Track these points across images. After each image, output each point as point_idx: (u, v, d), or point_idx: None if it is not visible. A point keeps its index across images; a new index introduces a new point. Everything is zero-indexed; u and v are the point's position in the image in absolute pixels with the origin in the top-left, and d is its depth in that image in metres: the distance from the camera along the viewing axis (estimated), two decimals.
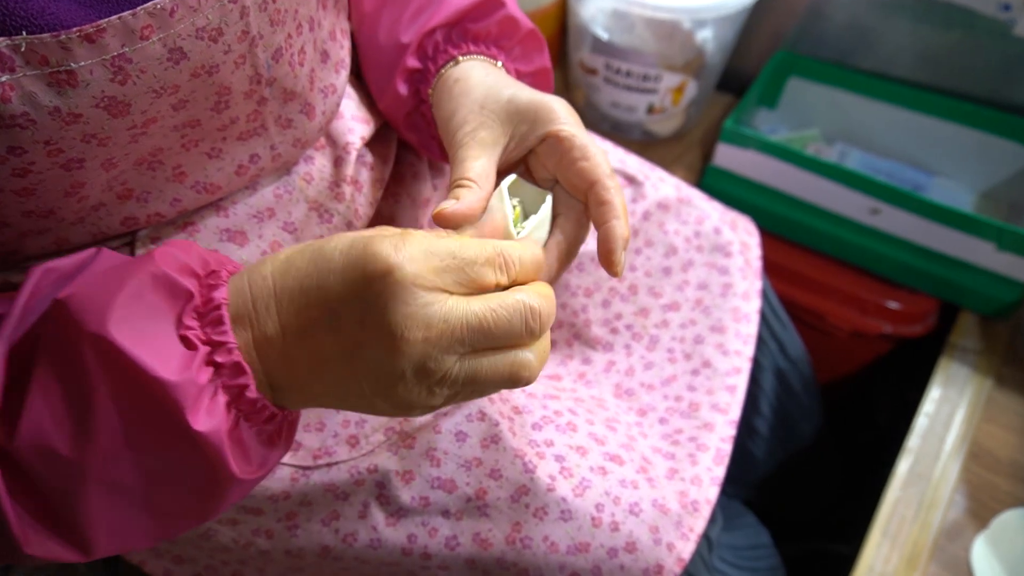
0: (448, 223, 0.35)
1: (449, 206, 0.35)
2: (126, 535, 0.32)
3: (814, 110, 0.96)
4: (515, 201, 0.39)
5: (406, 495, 0.45)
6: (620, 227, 0.37)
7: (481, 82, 0.42)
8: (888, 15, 0.86)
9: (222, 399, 0.30)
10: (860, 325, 0.84)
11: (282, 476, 0.45)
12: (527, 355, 0.31)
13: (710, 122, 0.99)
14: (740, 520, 0.70)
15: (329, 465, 0.46)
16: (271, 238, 0.44)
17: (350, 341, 0.29)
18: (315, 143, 0.45)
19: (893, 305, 0.82)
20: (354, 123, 0.49)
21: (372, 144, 0.51)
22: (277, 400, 0.33)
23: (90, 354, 0.28)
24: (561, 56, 0.98)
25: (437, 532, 0.45)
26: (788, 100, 0.98)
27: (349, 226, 0.47)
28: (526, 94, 0.40)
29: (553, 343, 0.64)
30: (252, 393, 0.31)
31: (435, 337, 0.29)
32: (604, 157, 0.38)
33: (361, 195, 0.48)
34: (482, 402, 0.47)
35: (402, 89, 0.47)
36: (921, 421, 0.71)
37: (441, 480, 0.46)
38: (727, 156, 0.84)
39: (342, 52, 0.46)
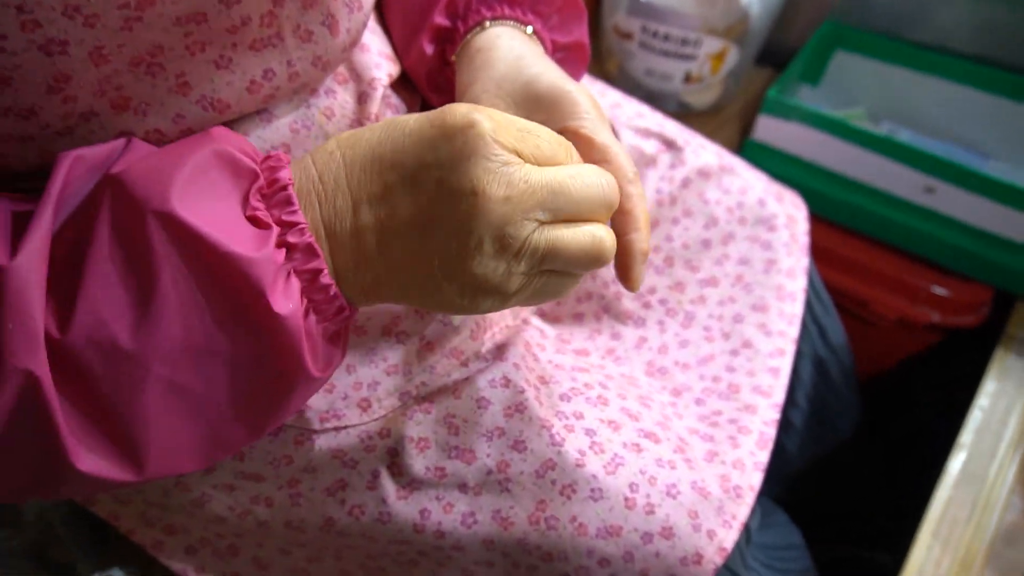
0: None
1: None
2: (180, 449, 0.30)
3: (860, 87, 0.91)
4: None
5: (420, 464, 0.41)
6: (641, 241, 0.35)
7: (503, 57, 0.40)
8: None
9: (296, 284, 0.29)
10: (906, 314, 0.79)
11: (284, 438, 0.41)
12: (603, 230, 0.31)
13: (748, 97, 0.94)
14: (771, 518, 0.66)
15: (337, 429, 0.41)
16: None
17: (427, 206, 0.29)
18: (337, 67, 0.41)
19: (943, 292, 0.77)
20: (381, 59, 0.45)
21: (398, 87, 0.47)
22: (342, 291, 0.31)
23: (155, 232, 0.27)
24: (594, 24, 0.93)
25: (453, 508, 0.41)
26: (832, 76, 0.92)
27: None
28: (548, 78, 0.38)
29: (581, 316, 0.60)
30: (326, 279, 0.30)
31: (517, 197, 0.28)
32: (628, 159, 0.36)
33: None
34: (507, 367, 0.43)
35: (428, 48, 0.44)
36: (975, 415, 0.66)
37: (459, 450, 0.41)
38: (768, 129, 0.79)
39: None
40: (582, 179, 0.30)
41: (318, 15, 0.37)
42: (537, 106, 0.38)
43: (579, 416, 0.44)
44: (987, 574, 0.56)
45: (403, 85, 0.48)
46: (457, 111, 0.28)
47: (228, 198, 0.29)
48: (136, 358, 0.27)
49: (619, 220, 0.35)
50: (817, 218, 0.82)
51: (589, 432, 0.43)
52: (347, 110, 0.43)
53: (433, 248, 0.29)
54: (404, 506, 0.41)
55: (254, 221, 0.29)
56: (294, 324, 0.29)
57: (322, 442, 0.41)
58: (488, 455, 0.42)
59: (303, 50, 0.37)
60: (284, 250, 0.29)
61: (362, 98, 0.43)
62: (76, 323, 0.27)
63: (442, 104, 0.47)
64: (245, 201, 0.29)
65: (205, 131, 0.31)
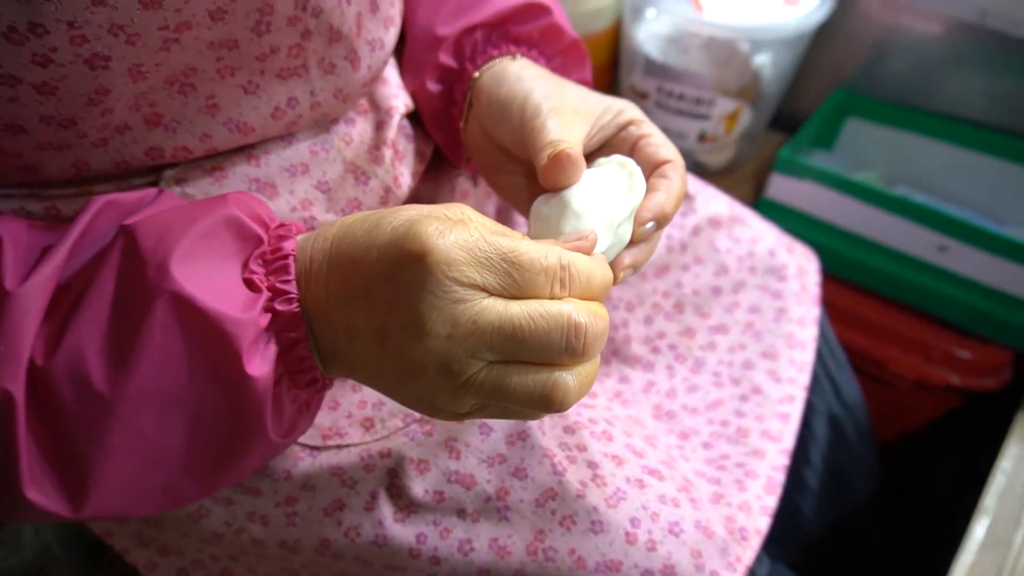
0: (560, 170, 0.34)
1: (572, 149, 0.34)
2: (126, 494, 0.30)
3: (873, 152, 0.92)
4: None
5: (419, 487, 0.41)
6: (667, 200, 0.36)
7: (551, 76, 0.42)
8: (958, 55, 0.83)
9: (273, 350, 0.30)
10: (925, 375, 0.77)
11: (286, 453, 0.41)
12: (565, 378, 0.28)
13: (762, 159, 0.96)
14: None
15: (339, 447, 0.41)
16: (303, 195, 0.41)
17: (379, 321, 0.28)
18: (358, 99, 0.43)
19: (963, 354, 0.76)
20: (399, 91, 0.47)
21: (414, 118, 0.49)
22: (320, 365, 0.32)
23: (150, 284, 0.28)
24: (612, 86, 0.97)
25: (450, 533, 0.40)
26: (845, 141, 0.94)
27: (387, 191, 0.44)
28: (606, 96, 0.40)
29: None
30: (303, 350, 0.30)
31: (460, 337, 0.27)
32: (679, 154, 0.38)
33: (402, 163, 0.46)
34: None
35: (432, 86, 0.45)
36: (998, 479, 0.64)
37: (459, 474, 0.41)
38: (782, 188, 0.81)
39: (392, 10, 0.44)
40: (545, 321, 0.27)
41: (342, 50, 0.39)
42: (604, 111, 0.39)
43: (582, 448, 0.43)
44: None
45: (420, 117, 0.50)
46: (419, 235, 0.27)
47: (229, 260, 0.30)
48: (105, 399, 0.28)
49: (655, 182, 0.37)
50: (832, 277, 0.82)
51: (592, 464, 0.42)
52: (365, 138, 0.44)
53: (387, 358, 0.29)
54: (401, 529, 0.41)
55: (249, 283, 0.30)
56: (263, 387, 0.29)
57: (323, 459, 0.41)
58: (488, 481, 0.41)
59: (326, 82, 0.39)
60: (269, 315, 0.30)
61: (379, 126, 0.45)
62: (59, 353, 0.28)
63: (444, 141, 0.49)
64: (245, 264, 0.30)
65: (223, 195, 0.32)
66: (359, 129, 0.44)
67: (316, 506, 0.41)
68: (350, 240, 0.30)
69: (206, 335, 0.28)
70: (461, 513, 0.41)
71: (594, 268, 0.29)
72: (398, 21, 0.45)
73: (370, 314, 0.28)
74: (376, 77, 0.44)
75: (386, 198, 0.44)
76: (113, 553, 0.46)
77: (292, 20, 0.35)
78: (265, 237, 0.31)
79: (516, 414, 0.30)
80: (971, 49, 0.82)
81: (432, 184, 0.52)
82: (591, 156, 0.40)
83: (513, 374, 0.28)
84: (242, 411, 0.30)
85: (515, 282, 0.27)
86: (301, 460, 0.41)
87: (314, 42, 0.37)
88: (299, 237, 0.32)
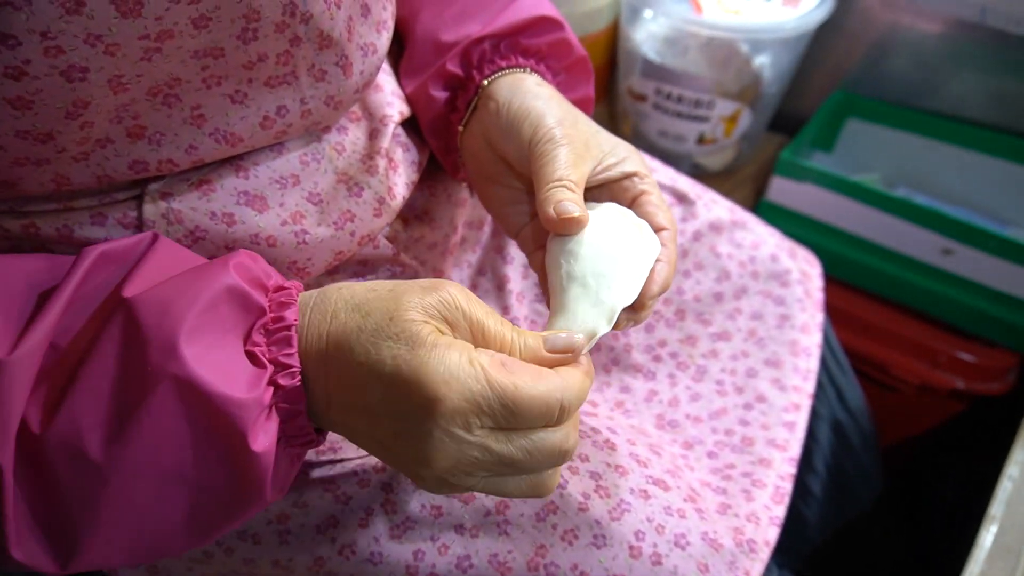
0: (569, 228, 0.37)
1: (579, 210, 0.36)
2: (114, 553, 0.31)
3: (873, 153, 0.91)
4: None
5: (416, 503, 0.40)
6: (668, 273, 0.37)
7: (562, 99, 0.42)
8: (958, 54, 0.82)
9: (275, 421, 0.31)
10: (929, 379, 0.76)
11: None
12: (553, 476, 0.32)
13: (762, 161, 0.95)
14: None
15: (333, 462, 0.40)
16: (293, 207, 0.40)
17: (382, 438, 0.31)
18: (350, 106, 0.42)
19: (967, 358, 0.75)
20: (393, 98, 0.46)
21: (408, 127, 0.48)
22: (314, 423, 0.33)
23: (153, 366, 0.28)
24: (609, 87, 0.96)
25: (448, 550, 0.39)
26: (845, 143, 0.93)
27: (381, 202, 0.43)
28: (613, 137, 0.42)
29: None
30: (302, 419, 0.31)
31: (463, 468, 0.30)
32: (671, 214, 0.40)
33: (396, 173, 0.45)
34: None
35: (437, 93, 0.45)
36: (1005, 486, 0.63)
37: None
38: (782, 190, 0.80)
39: (385, 13, 0.43)
40: (540, 455, 0.30)
41: (333, 56, 0.38)
42: (611, 152, 0.40)
43: (584, 459, 0.42)
44: None
45: (414, 125, 0.49)
46: (427, 388, 0.28)
47: (231, 333, 0.31)
48: (99, 470, 0.29)
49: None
50: (834, 280, 0.81)
51: (594, 475, 0.41)
52: (358, 146, 0.43)
53: (387, 457, 0.32)
54: (397, 546, 0.39)
55: (251, 357, 0.31)
56: (267, 460, 0.30)
57: (316, 475, 0.40)
58: (487, 495, 0.40)
59: (316, 89, 0.38)
60: (272, 388, 0.31)
61: (373, 134, 0.44)
62: (56, 423, 0.28)
63: (439, 147, 0.48)
64: (248, 336, 0.31)
65: (224, 258, 0.32)
66: (352, 137, 0.43)
67: (309, 523, 0.40)
68: (346, 354, 0.30)
69: (212, 418, 0.29)
70: (459, 528, 0.40)
71: (582, 390, 0.32)
72: (391, 25, 0.44)
73: (372, 430, 0.31)
74: (369, 83, 0.42)
75: (380, 210, 0.43)
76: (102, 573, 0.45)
77: (280, 26, 0.34)
78: (267, 305, 0.32)
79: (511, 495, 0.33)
80: (972, 48, 0.81)
81: (428, 193, 0.51)
82: (588, 193, 0.41)
83: (509, 482, 0.31)
84: (244, 483, 0.30)
85: (513, 420, 0.30)
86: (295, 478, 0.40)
87: (303, 48, 0.36)
88: (300, 300, 0.32)
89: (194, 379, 0.28)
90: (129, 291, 0.30)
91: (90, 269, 0.31)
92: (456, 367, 0.29)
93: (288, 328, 0.31)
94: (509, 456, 0.30)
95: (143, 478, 0.29)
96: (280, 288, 0.33)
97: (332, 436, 0.42)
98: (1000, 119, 0.83)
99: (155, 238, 0.33)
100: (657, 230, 0.39)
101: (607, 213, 0.39)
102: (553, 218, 0.36)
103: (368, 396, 0.30)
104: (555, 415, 0.30)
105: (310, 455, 0.41)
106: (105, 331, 0.30)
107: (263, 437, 0.30)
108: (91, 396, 0.29)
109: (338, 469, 0.40)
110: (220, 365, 0.29)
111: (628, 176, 0.40)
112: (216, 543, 0.41)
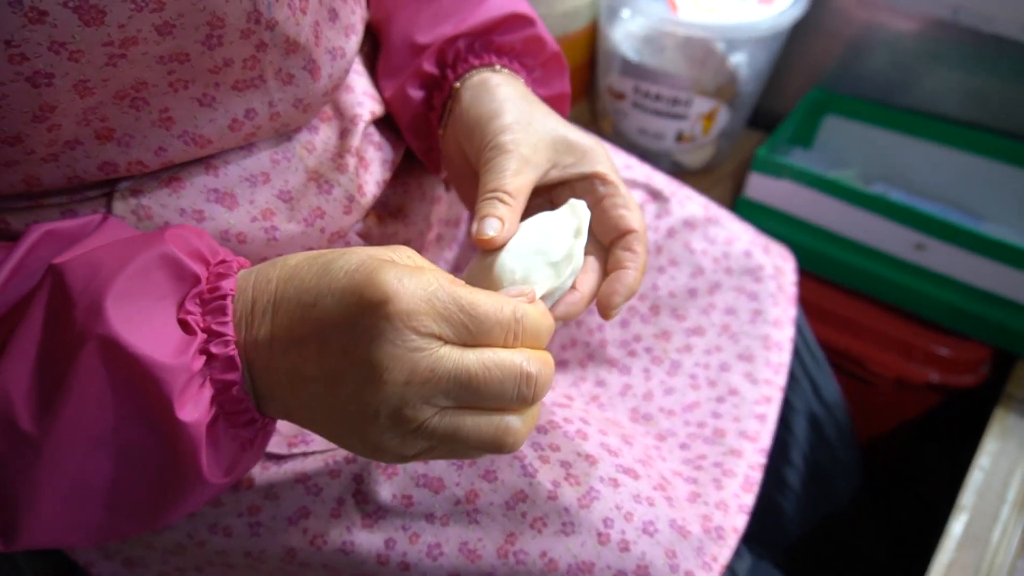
0: (487, 247, 0.35)
1: (494, 230, 0.35)
2: (63, 529, 0.30)
3: (851, 150, 0.92)
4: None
5: (387, 492, 0.40)
6: (636, 278, 0.37)
7: (527, 97, 0.42)
8: (933, 52, 0.83)
9: (208, 392, 0.29)
10: (904, 373, 0.77)
11: None
12: (514, 421, 0.30)
13: (741, 158, 0.96)
14: None
15: (305, 455, 0.41)
16: (263, 204, 0.40)
17: (333, 367, 0.28)
18: (319, 108, 0.42)
19: (942, 351, 0.76)
20: (364, 98, 0.46)
21: (382, 126, 0.48)
22: (259, 406, 0.32)
23: (79, 327, 0.28)
24: (589, 86, 0.97)
25: (419, 538, 0.40)
26: (823, 139, 0.94)
27: (351, 200, 0.44)
28: (575, 132, 0.41)
29: (565, 363, 0.59)
30: (238, 392, 0.30)
31: (417, 383, 0.27)
32: (642, 214, 0.39)
33: (367, 172, 0.45)
34: None
35: (414, 93, 0.45)
36: (975, 476, 0.64)
37: (428, 478, 0.40)
38: (760, 187, 0.80)
39: (353, 17, 0.44)
40: (499, 371, 0.28)
41: (300, 60, 0.39)
42: (568, 150, 0.40)
43: (555, 448, 0.43)
44: None
45: (387, 124, 0.49)
46: (379, 285, 0.27)
47: (164, 300, 0.29)
48: (32, 441, 0.28)
49: (623, 256, 0.38)
50: (810, 276, 0.82)
51: (564, 464, 0.42)
52: (329, 145, 0.44)
53: (336, 404, 0.29)
54: (368, 536, 0.40)
55: (184, 325, 0.29)
56: (196, 432, 0.29)
57: (287, 467, 0.41)
58: (457, 484, 0.40)
59: (284, 92, 0.39)
60: (204, 357, 0.29)
61: (343, 133, 0.44)
62: None
63: (420, 147, 0.48)
64: (181, 304, 0.30)
65: (160, 230, 0.31)
66: (322, 136, 0.44)
67: (280, 515, 0.41)
68: (297, 283, 0.29)
69: (136, 381, 0.28)
70: (430, 517, 0.40)
71: (542, 320, 0.30)
72: (360, 28, 0.45)
73: (321, 360, 0.28)
74: (338, 86, 0.43)
75: (349, 207, 0.44)
76: (78, 566, 0.46)
77: (245, 33, 0.34)
78: (204, 275, 0.31)
79: (461, 455, 0.31)
80: (946, 46, 0.82)
81: (401, 191, 0.51)
82: (545, 191, 0.41)
83: (467, 419, 0.29)
84: (175, 454, 0.29)
85: (470, 332, 0.28)
86: (265, 469, 0.41)
87: (270, 54, 0.37)
88: (240, 274, 0.31)
89: (118, 340, 0.27)
90: (61, 259, 0.29)
91: (34, 245, 0.31)
92: (411, 271, 0.28)
93: (223, 297, 0.30)
94: (466, 370, 0.28)
95: (74, 446, 0.29)
96: (221, 262, 0.32)
97: (303, 429, 0.42)
98: (974, 115, 0.84)
99: (104, 219, 0.33)
100: (624, 233, 0.39)
101: (541, 217, 0.38)
102: (473, 238, 0.35)
103: (318, 311, 0.28)
104: (512, 331, 0.29)
105: (280, 448, 0.41)
106: (35, 297, 0.29)
107: (192, 407, 0.29)
108: (21, 364, 0.28)
109: (309, 461, 0.41)
110: (147, 328, 0.28)
111: (587, 177, 0.40)
112: (188, 536, 0.41)
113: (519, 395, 0.29)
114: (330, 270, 0.29)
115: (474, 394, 0.28)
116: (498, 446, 0.29)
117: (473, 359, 0.28)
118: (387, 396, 0.27)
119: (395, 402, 0.27)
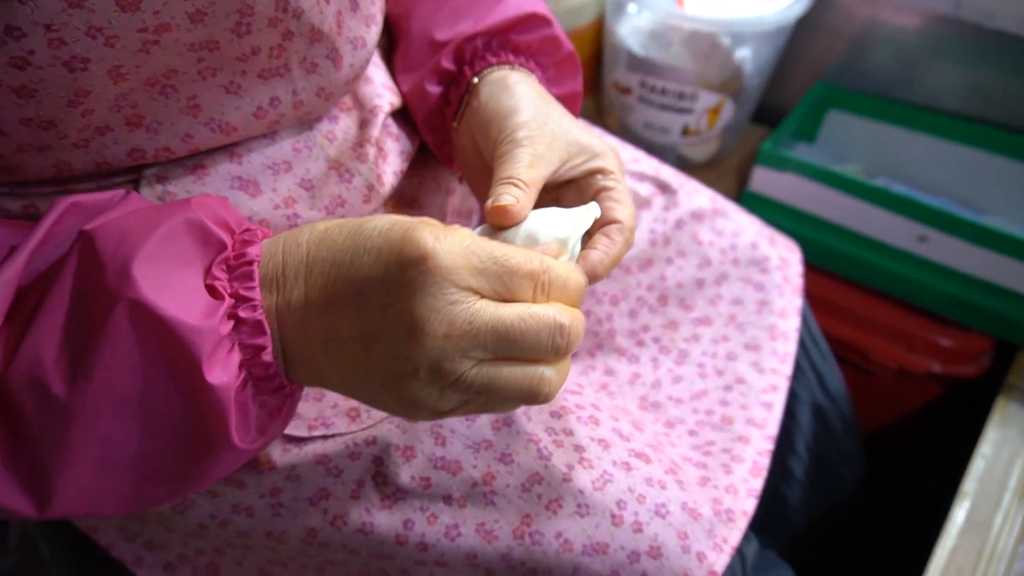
0: (502, 218, 0.35)
1: (508, 201, 0.35)
2: (91, 495, 0.30)
3: (855, 145, 0.93)
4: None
5: (405, 474, 0.41)
6: (602, 261, 0.38)
7: (544, 96, 0.43)
8: (936, 47, 0.84)
9: (236, 357, 0.30)
10: (907, 363, 0.78)
11: (270, 446, 0.41)
12: (548, 371, 0.30)
13: (745, 152, 0.97)
14: (775, 572, 0.64)
15: (325, 437, 0.42)
16: (285, 192, 0.41)
17: (370, 325, 0.29)
18: (340, 97, 0.43)
19: (944, 342, 0.77)
20: (384, 90, 0.47)
21: (399, 118, 0.49)
22: (287, 373, 0.32)
23: (109, 290, 0.28)
24: (595, 80, 0.98)
25: (437, 519, 0.41)
26: (827, 134, 0.95)
27: (370, 189, 0.45)
28: (588, 135, 0.42)
29: (575, 353, 0.60)
30: (267, 356, 0.30)
31: (457, 336, 0.28)
32: (634, 211, 0.40)
33: (385, 162, 0.46)
34: None
35: (432, 89, 0.46)
36: (977, 464, 0.65)
37: (445, 460, 0.41)
38: (764, 180, 0.81)
39: (373, 8, 0.44)
40: (534, 321, 0.29)
41: (323, 49, 0.39)
42: (581, 150, 0.41)
43: (569, 432, 0.44)
44: None
45: (404, 116, 0.50)
46: (418, 240, 0.28)
47: (191, 265, 0.30)
48: (63, 405, 0.28)
49: (593, 240, 0.39)
50: (815, 268, 0.83)
51: (578, 448, 0.43)
52: (349, 135, 0.45)
53: (373, 362, 0.29)
54: (387, 516, 0.41)
55: (211, 290, 0.30)
56: (224, 396, 0.29)
57: (308, 449, 0.42)
58: (474, 466, 0.41)
59: (308, 81, 0.40)
60: (232, 322, 0.30)
61: (363, 124, 0.45)
62: (18, 360, 0.28)
63: (434, 141, 0.49)
64: (207, 271, 0.30)
65: (188, 199, 0.32)
66: (343, 126, 0.44)
67: (301, 496, 0.42)
68: (330, 244, 0.30)
69: (165, 344, 0.28)
70: (447, 499, 0.41)
71: (570, 274, 0.31)
72: (379, 19, 0.46)
73: (358, 319, 0.29)
74: (359, 75, 0.44)
75: (369, 196, 0.45)
76: (101, 551, 0.46)
77: (272, 21, 0.35)
78: (229, 242, 0.31)
79: (497, 407, 0.32)
80: (948, 41, 0.83)
81: (416, 182, 0.52)
82: (554, 189, 0.42)
83: (503, 370, 0.29)
84: (204, 418, 0.30)
85: (504, 285, 0.29)
86: (287, 451, 0.41)
87: (295, 42, 0.38)
88: (265, 242, 0.32)
89: (147, 302, 0.28)
90: (92, 225, 0.30)
91: (61, 216, 0.31)
92: (445, 229, 0.29)
93: (250, 263, 0.30)
94: (503, 321, 0.28)
95: (105, 410, 0.29)
96: (247, 230, 0.32)
97: (323, 412, 0.43)
98: (976, 110, 0.85)
99: (127, 193, 0.33)
100: (608, 222, 0.39)
101: (551, 212, 0.38)
102: (488, 209, 0.36)
103: (354, 270, 0.29)
104: (541, 283, 0.30)
105: (301, 431, 0.42)
106: (65, 263, 0.29)
107: (220, 370, 0.29)
108: (50, 328, 0.28)
109: (329, 444, 0.42)
110: (175, 291, 0.29)
111: (593, 172, 0.41)
112: (210, 516, 0.42)
113: (554, 345, 0.29)
114: (363, 230, 0.30)
115: (511, 345, 0.29)
116: (533, 395, 0.30)
117: (508, 311, 0.29)
118: (427, 350, 0.28)
119: (435, 355, 0.28)
